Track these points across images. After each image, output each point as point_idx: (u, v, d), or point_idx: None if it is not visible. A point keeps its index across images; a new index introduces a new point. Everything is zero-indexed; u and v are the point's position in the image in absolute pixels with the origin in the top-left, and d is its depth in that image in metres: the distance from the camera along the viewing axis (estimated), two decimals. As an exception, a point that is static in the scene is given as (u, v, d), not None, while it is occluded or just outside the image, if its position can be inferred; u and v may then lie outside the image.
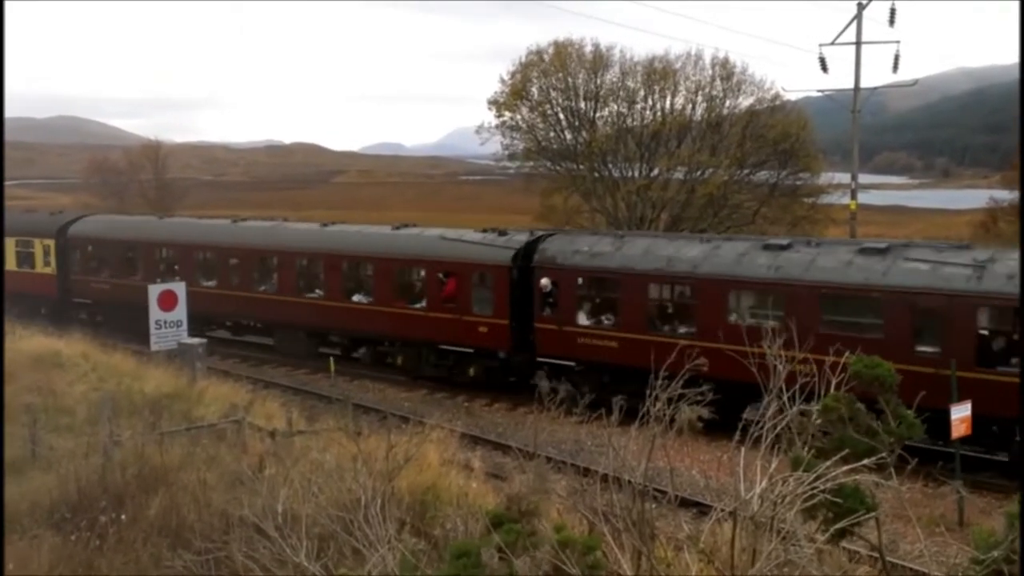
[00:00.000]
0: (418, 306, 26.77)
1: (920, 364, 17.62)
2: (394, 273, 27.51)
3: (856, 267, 19.97)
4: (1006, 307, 17.93)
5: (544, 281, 24.55)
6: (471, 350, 25.76)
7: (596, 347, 23.41)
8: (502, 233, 26.41)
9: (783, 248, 21.36)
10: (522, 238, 25.83)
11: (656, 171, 44.19)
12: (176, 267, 33.07)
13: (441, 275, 26.42)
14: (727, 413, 10.91)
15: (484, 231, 26.87)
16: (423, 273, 26.94)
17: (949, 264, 18.84)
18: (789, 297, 20.10)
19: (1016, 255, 18.75)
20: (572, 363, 23.69)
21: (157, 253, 34.12)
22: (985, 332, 18.73)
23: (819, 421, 7.56)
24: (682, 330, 21.93)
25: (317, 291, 29.44)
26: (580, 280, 24.19)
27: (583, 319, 23.90)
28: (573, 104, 45.14)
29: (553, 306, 24.36)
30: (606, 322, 23.77)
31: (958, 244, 20.84)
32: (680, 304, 22.89)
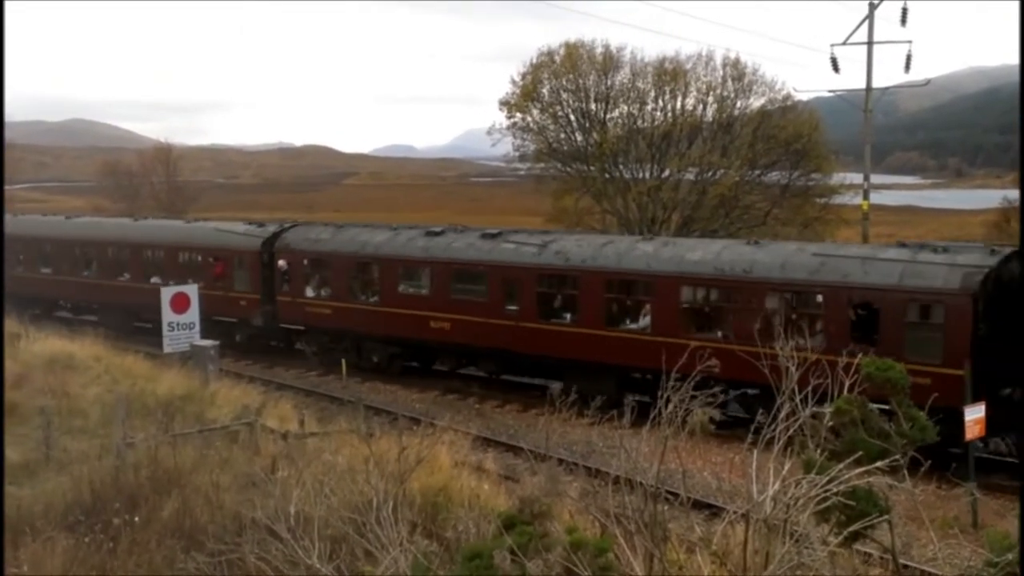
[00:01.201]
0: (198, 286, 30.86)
1: (507, 319, 25.04)
2: (179, 258, 33.49)
3: (475, 248, 26.21)
4: (554, 275, 24.79)
5: (281, 263, 30.27)
6: (235, 320, 31.10)
7: (318, 314, 29.28)
8: (260, 225, 32.73)
9: (436, 235, 27.54)
10: (271, 229, 31.63)
11: (667, 172, 44.11)
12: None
13: (212, 259, 32.23)
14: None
15: (250, 224, 33.30)
16: (199, 258, 32.92)
17: (527, 245, 25.40)
18: (433, 271, 26.66)
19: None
20: (303, 328, 29.59)
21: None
22: (543, 292, 24.86)
23: (831, 423, 7.53)
24: (373, 299, 28.13)
25: (126, 275, 35.26)
26: (306, 261, 29.95)
27: (309, 292, 29.77)
28: (584, 105, 45.10)
29: (289, 283, 30.03)
30: (323, 294, 29.55)
31: (545, 231, 28.50)
32: (369, 278, 28.63)
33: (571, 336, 24.00)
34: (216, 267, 31.90)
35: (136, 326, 33.75)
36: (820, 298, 20.74)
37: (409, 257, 27.31)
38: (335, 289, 28.81)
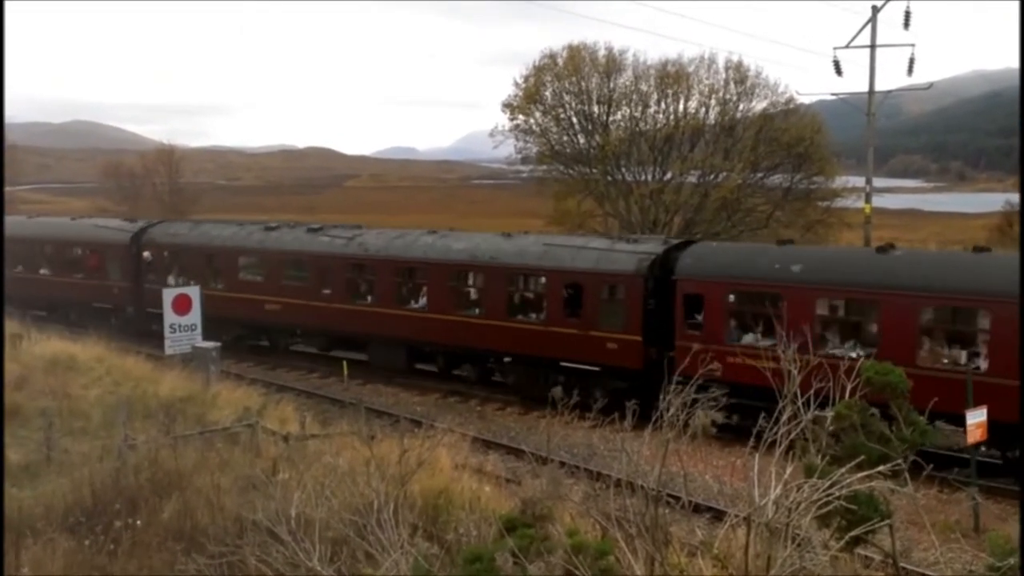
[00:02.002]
0: (79, 276, 36.40)
1: (324, 301, 28.71)
2: (64, 252, 37.11)
3: (300, 241, 30.32)
4: (356, 263, 28.58)
5: (146, 254, 34.45)
6: (111, 307, 34.82)
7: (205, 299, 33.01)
8: (132, 221, 37.37)
9: (271, 229, 31.83)
10: (140, 224, 36.18)
11: (669, 175, 44.12)
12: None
13: (88, 252, 36.09)
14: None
15: (125, 220, 38.24)
16: (79, 251, 36.70)
17: (338, 238, 29.36)
18: (268, 261, 30.80)
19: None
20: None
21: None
22: (350, 278, 28.66)
23: (832, 428, 7.53)
24: (220, 285, 31.61)
25: (19, 267, 37.75)
26: (166, 253, 34.06)
27: (170, 280, 32.39)
28: (586, 108, 45.14)
29: (153, 272, 33.93)
30: (180, 282, 31.49)
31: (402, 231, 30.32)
32: (216, 267, 32.38)
33: (371, 315, 27.83)
34: (91, 259, 35.99)
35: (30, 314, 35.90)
36: (544, 279, 24.96)
37: (248, 248, 31.66)
38: (189, 277, 31.81)
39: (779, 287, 20.66)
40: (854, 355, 18.33)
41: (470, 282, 26.72)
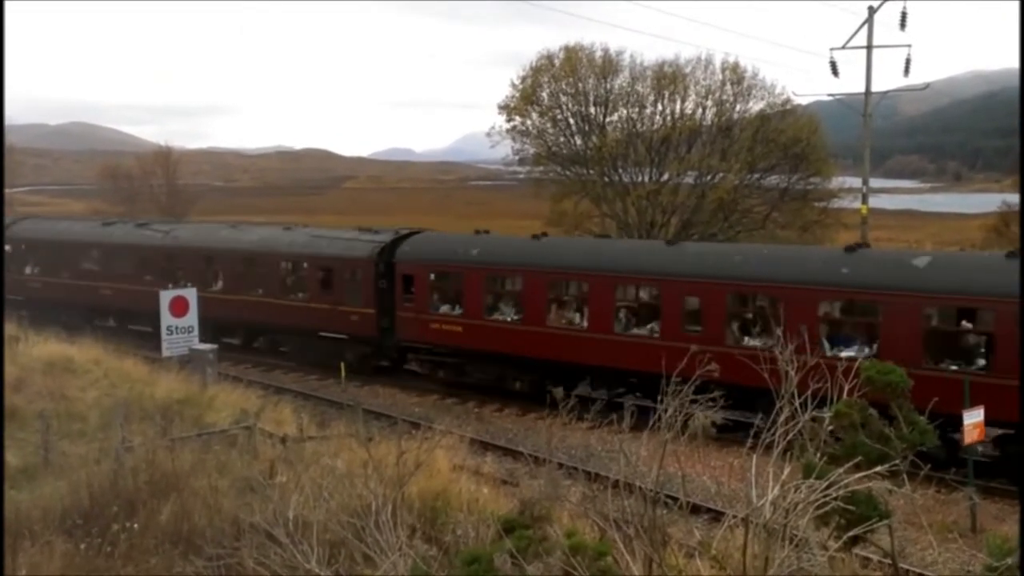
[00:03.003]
0: None
1: (146, 286, 31.69)
2: None
3: (131, 235, 35.77)
4: (170, 253, 33.91)
5: (8, 248, 37.74)
6: None
7: (32, 288, 37.54)
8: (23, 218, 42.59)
9: (108, 225, 37.62)
10: (7, 221, 39.14)
11: (666, 176, 44.11)
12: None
13: None
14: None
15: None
16: None
17: (157, 232, 35.58)
18: (101, 252, 36.01)
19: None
20: (22, 298, 36.52)
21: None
22: (166, 266, 33.19)
23: (831, 427, 7.52)
24: (66, 274, 36.75)
25: None
26: (23, 247, 38.48)
27: (28, 271, 37.91)
28: (583, 109, 45.12)
29: (16, 263, 37.72)
30: (36, 272, 37.74)
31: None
32: (66, 258, 36.90)
33: (130, 291, 33.79)
34: None
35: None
36: (305, 265, 30.24)
37: (86, 241, 37.00)
38: (43, 268, 37.80)
39: (462, 267, 26.13)
40: (509, 319, 25.30)
41: (256, 267, 31.59)
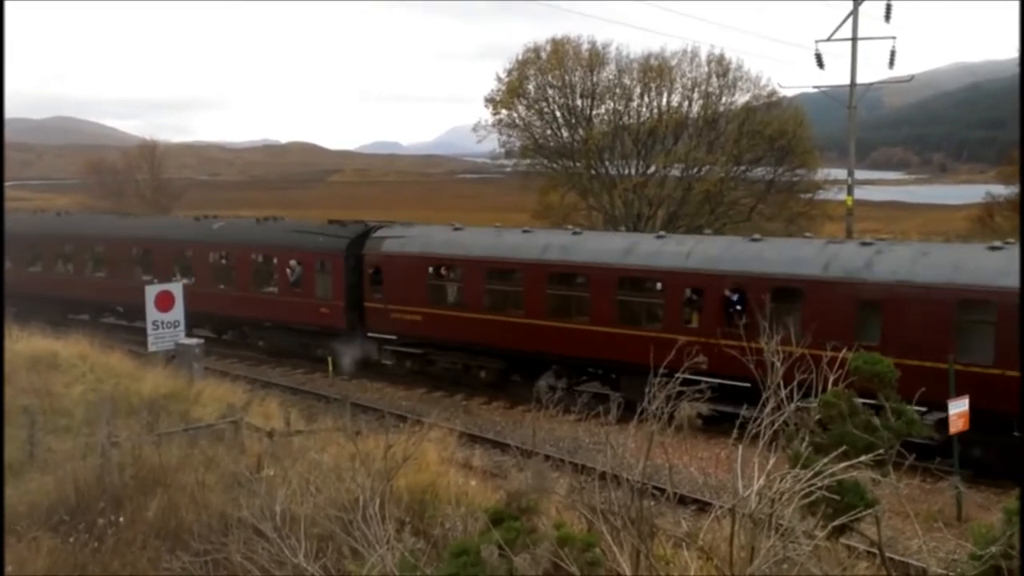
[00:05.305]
0: None
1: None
2: None
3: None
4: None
5: None
6: None
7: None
8: None
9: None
10: None
11: (653, 168, 44.20)
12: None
13: None
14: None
15: None
16: None
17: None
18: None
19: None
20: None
21: None
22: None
23: (818, 417, 7.55)
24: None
25: None
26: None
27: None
28: (570, 102, 45.12)
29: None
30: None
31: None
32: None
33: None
34: None
35: None
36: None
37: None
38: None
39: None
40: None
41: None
